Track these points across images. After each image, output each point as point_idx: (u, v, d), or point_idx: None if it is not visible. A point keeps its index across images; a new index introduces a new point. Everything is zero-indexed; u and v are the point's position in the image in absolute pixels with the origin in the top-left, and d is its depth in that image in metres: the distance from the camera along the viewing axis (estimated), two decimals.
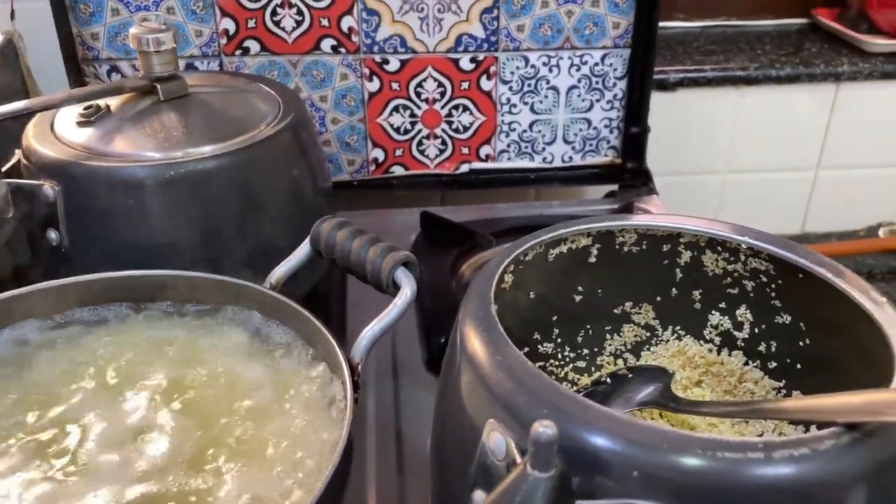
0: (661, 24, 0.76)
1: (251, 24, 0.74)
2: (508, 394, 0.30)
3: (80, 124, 0.51)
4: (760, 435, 0.39)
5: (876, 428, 0.27)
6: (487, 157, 0.83)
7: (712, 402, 0.40)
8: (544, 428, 0.24)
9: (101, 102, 0.52)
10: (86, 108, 0.51)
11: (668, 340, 0.46)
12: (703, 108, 0.89)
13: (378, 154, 0.82)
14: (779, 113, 0.90)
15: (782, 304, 0.41)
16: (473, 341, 0.33)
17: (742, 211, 0.95)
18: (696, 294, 0.44)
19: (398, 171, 0.83)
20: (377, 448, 0.50)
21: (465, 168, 0.83)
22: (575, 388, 0.45)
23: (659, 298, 0.45)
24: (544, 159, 0.83)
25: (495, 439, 0.29)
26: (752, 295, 0.42)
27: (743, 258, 0.41)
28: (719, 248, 0.42)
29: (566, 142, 0.83)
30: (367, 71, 0.78)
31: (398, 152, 0.82)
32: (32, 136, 0.51)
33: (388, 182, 0.83)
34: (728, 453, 0.26)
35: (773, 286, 0.41)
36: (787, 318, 0.41)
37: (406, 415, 0.52)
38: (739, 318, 0.43)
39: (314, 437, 0.37)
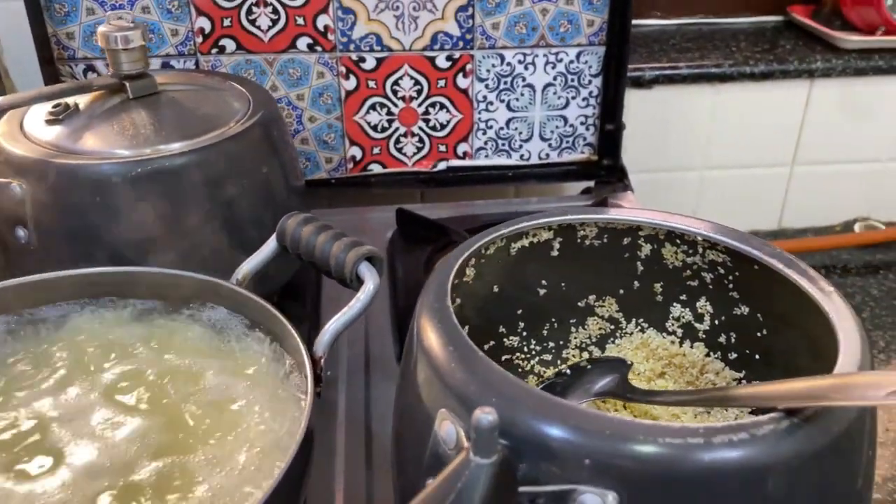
0: (637, 21, 0.77)
1: (227, 22, 0.75)
2: (460, 383, 0.30)
3: (48, 122, 0.51)
4: None
5: (815, 413, 0.28)
6: (465, 155, 0.83)
7: (666, 392, 0.40)
8: (485, 414, 0.24)
9: (70, 101, 0.52)
10: (54, 107, 0.51)
11: (632, 333, 0.47)
12: (679, 106, 0.90)
13: (356, 152, 0.82)
14: (754, 110, 0.91)
15: (740, 295, 0.42)
16: (429, 333, 0.33)
17: (719, 207, 0.96)
18: (658, 287, 0.45)
19: (376, 168, 0.83)
20: (346, 443, 0.50)
21: (442, 166, 0.83)
22: (541, 380, 0.45)
23: (622, 291, 0.46)
24: (521, 156, 0.84)
25: (446, 428, 0.30)
26: (710, 287, 0.43)
27: (701, 250, 0.42)
28: (678, 241, 0.42)
29: (543, 139, 0.83)
30: (343, 69, 0.78)
31: (376, 150, 0.82)
32: (1, 134, 0.51)
33: (366, 180, 0.83)
34: (669, 439, 0.27)
35: (730, 278, 0.42)
36: (745, 310, 0.42)
37: (376, 410, 0.53)
38: (700, 310, 0.44)
39: (277, 431, 0.38)
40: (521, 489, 0.27)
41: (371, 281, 0.41)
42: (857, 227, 0.97)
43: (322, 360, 0.40)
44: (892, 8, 0.89)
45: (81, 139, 0.50)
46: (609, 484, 0.27)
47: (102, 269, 0.46)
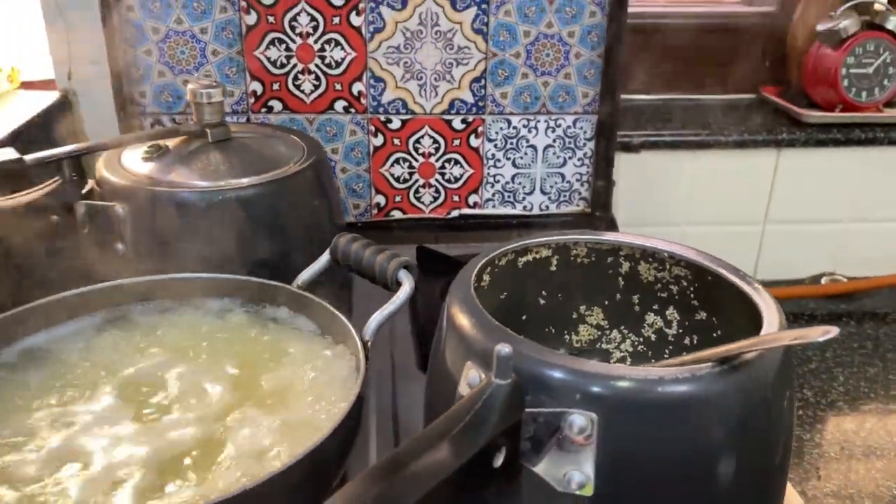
0: (626, 95, 0.90)
1: (276, 86, 0.88)
2: (481, 343, 0.41)
3: (144, 159, 0.63)
4: None
5: (741, 363, 0.38)
6: (475, 205, 0.95)
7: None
8: (502, 347, 0.35)
9: (162, 143, 0.64)
10: (150, 147, 0.63)
11: (615, 339, 0.57)
12: (663, 168, 1.02)
13: (380, 199, 0.94)
14: (729, 174, 1.03)
15: (699, 303, 0.52)
16: (458, 312, 0.44)
17: None
18: (636, 298, 0.55)
19: (397, 214, 0.95)
20: (377, 431, 0.60)
21: (455, 213, 0.95)
22: None
23: (606, 302, 0.56)
24: (524, 207, 0.96)
25: (471, 375, 0.40)
26: (676, 297, 0.54)
27: (668, 266, 0.53)
28: (650, 259, 0.53)
29: (543, 192, 0.96)
30: (372, 128, 0.91)
31: (397, 198, 0.94)
32: (104, 168, 0.63)
33: (389, 224, 0.95)
34: (635, 375, 0.37)
35: (691, 289, 0.52)
36: (703, 315, 0.52)
37: (402, 403, 0.63)
38: (669, 317, 0.55)
39: (333, 397, 0.48)
40: (527, 410, 0.37)
41: (408, 283, 0.52)
42: (823, 280, 1.08)
43: (369, 343, 0.50)
44: (847, 89, 1.03)
45: (171, 173, 0.62)
46: (591, 408, 0.37)
47: (188, 275, 0.57)
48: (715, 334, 0.52)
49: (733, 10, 1.15)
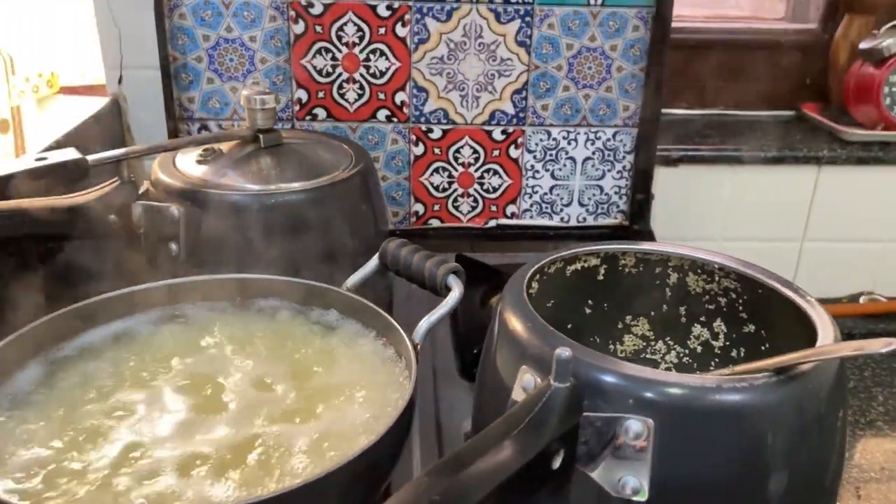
0: (666, 110, 0.90)
1: (321, 95, 0.89)
2: (537, 347, 0.41)
3: (198, 162, 0.65)
4: None
5: (798, 374, 0.38)
6: (513, 215, 0.96)
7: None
8: (562, 351, 0.36)
9: (216, 147, 0.66)
10: (205, 150, 0.65)
11: (660, 350, 0.57)
12: (701, 183, 1.02)
13: (419, 208, 0.95)
14: (768, 190, 1.03)
15: (748, 315, 0.52)
16: (511, 317, 0.45)
17: None
18: (682, 310, 0.56)
19: (435, 223, 0.96)
20: (421, 432, 0.61)
21: (492, 223, 0.96)
22: None
23: (653, 313, 0.57)
24: (562, 219, 0.96)
25: (526, 379, 0.41)
26: (725, 309, 0.54)
27: (717, 279, 0.53)
28: (699, 271, 0.54)
29: (581, 204, 0.96)
30: (414, 137, 0.92)
31: (436, 207, 0.95)
32: (159, 170, 0.64)
33: (426, 232, 0.96)
34: (692, 383, 0.37)
35: (740, 301, 0.53)
36: (752, 328, 0.53)
37: (443, 407, 0.63)
38: (716, 329, 0.55)
39: (382, 399, 0.49)
40: (584, 414, 0.37)
41: (457, 288, 0.53)
42: (861, 300, 1.07)
43: (419, 347, 0.51)
44: (889, 107, 1.03)
45: (224, 176, 0.63)
46: (647, 414, 0.37)
47: (240, 275, 0.58)
48: (763, 347, 0.52)
49: (775, 26, 1.15)
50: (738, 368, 0.42)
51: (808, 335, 0.45)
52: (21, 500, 0.38)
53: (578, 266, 0.54)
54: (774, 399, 0.37)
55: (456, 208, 0.95)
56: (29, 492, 0.40)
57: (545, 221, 0.96)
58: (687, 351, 0.57)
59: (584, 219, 0.97)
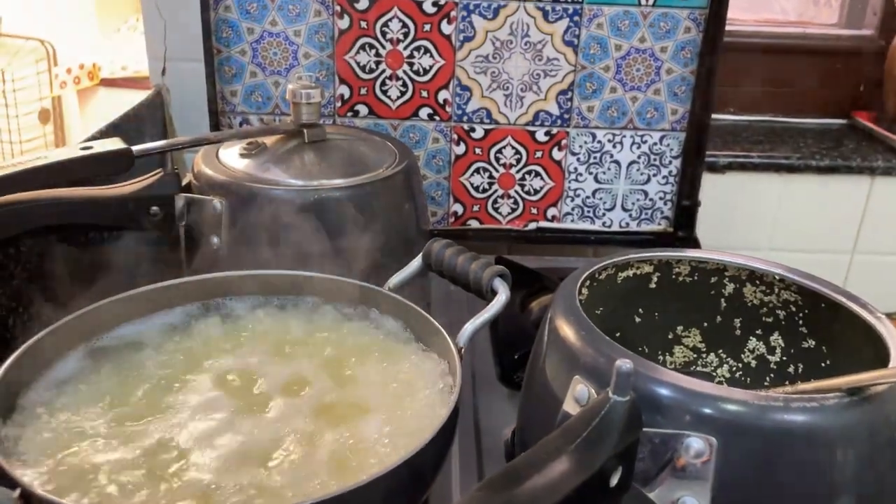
0: (714, 116, 0.87)
1: (363, 91, 0.88)
2: (591, 357, 0.40)
3: (242, 155, 0.64)
4: None
5: (870, 395, 0.36)
6: (553, 218, 0.94)
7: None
8: (623, 362, 0.34)
9: (259, 140, 0.65)
10: (248, 144, 0.64)
11: (712, 362, 0.55)
12: (748, 190, 0.99)
13: (458, 208, 0.94)
14: (818, 200, 1.00)
15: (808, 330, 0.50)
16: (563, 325, 0.43)
17: None
18: (737, 322, 0.53)
19: (474, 224, 0.94)
20: (460, 438, 0.59)
21: (532, 226, 0.94)
22: None
23: (706, 324, 0.55)
24: (604, 223, 0.94)
25: (580, 390, 0.39)
26: (783, 323, 0.51)
27: (776, 290, 0.51)
28: (757, 282, 0.51)
29: (624, 209, 0.94)
30: (455, 137, 0.90)
31: (475, 208, 0.94)
32: (202, 162, 0.64)
33: (465, 233, 0.94)
34: (758, 401, 0.35)
35: (800, 315, 0.50)
36: (812, 343, 0.50)
37: (482, 413, 0.62)
38: (773, 343, 0.53)
39: (423, 402, 0.47)
40: (644, 429, 0.36)
41: (503, 292, 0.51)
42: None
43: (463, 350, 0.49)
44: None
45: (267, 170, 0.63)
46: (708, 431, 0.35)
47: (281, 271, 0.57)
48: (823, 364, 0.50)
49: (829, 32, 1.12)
50: (805, 387, 0.40)
51: (874, 353, 0.42)
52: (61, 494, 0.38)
53: (630, 273, 0.52)
54: (845, 421, 0.35)
55: (496, 210, 0.94)
56: (69, 487, 0.39)
57: (587, 226, 0.94)
58: (740, 365, 0.54)
59: (627, 224, 0.94)
